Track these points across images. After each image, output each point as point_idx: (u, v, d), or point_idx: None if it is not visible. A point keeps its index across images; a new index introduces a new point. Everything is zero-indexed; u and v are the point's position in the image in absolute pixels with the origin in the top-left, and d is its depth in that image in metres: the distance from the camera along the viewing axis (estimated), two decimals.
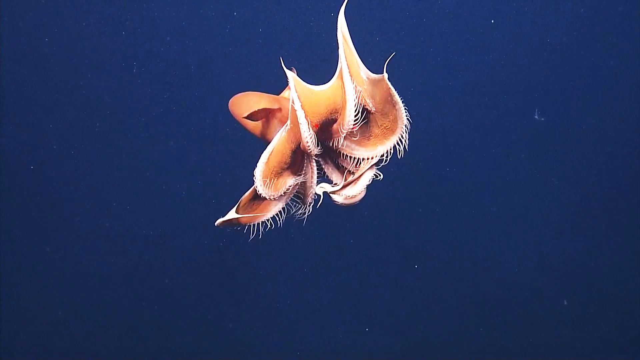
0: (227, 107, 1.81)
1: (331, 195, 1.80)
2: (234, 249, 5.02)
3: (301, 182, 1.83)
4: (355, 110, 1.66)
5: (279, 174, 1.74)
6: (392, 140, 1.78)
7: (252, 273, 5.12)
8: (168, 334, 5.12)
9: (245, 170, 1.80)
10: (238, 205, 1.76)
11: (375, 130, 1.79)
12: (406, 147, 1.77)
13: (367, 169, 1.80)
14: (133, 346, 5.09)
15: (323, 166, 1.87)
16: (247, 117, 1.75)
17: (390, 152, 1.79)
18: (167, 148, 4.78)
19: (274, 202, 1.82)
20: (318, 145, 1.69)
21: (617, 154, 4.84)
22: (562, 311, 5.08)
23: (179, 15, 4.43)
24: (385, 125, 1.77)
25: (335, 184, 1.85)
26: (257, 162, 1.68)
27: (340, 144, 1.76)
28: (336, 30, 1.64)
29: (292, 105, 1.60)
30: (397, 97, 1.69)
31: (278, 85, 1.93)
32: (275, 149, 1.68)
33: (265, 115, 1.79)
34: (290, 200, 1.86)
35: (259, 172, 1.68)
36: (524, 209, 5.01)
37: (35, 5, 4.34)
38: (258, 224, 1.81)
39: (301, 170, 1.81)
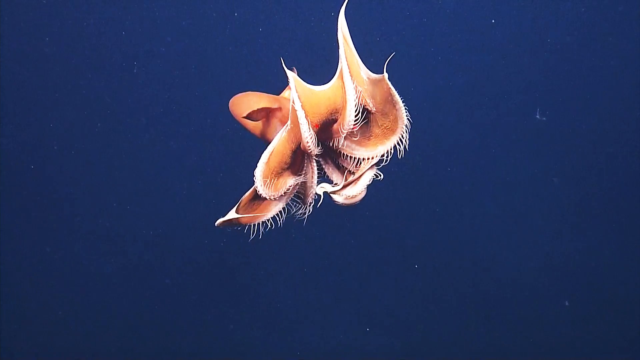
0: (227, 107, 1.81)
1: (331, 195, 1.80)
2: (234, 249, 5.02)
3: (301, 182, 1.82)
4: (356, 110, 1.65)
5: (279, 174, 1.74)
6: (393, 140, 1.78)
7: (253, 273, 5.12)
8: (168, 334, 5.12)
9: (245, 171, 1.80)
10: (238, 206, 1.76)
11: (376, 130, 1.79)
12: (406, 147, 1.76)
13: (368, 169, 1.80)
14: (133, 346, 5.09)
15: (323, 166, 1.87)
16: (247, 117, 1.74)
17: (391, 152, 1.79)
18: (168, 148, 4.78)
19: (274, 202, 1.82)
20: (318, 145, 1.69)
21: (618, 153, 4.84)
22: (563, 311, 5.08)
23: (180, 15, 4.43)
24: (385, 125, 1.77)
25: (336, 184, 1.85)
26: (258, 162, 1.68)
27: (340, 144, 1.75)
28: (336, 30, 1.64)
29: (292, 106, 1.60)
30: (397, 97, 1.69)
31: (278, 86, 1.93)
32: (276, 149, 1.68)
33: (265, 115, 1.79)
34: (290, 200, 1.86)
35: (259, 172, 1.68)
36: (524, 209, 5.01)
37: (36, 5, 4.35)
38: (258, 224, 1.81)
39: (301, 171, 1.81)
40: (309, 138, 1.63)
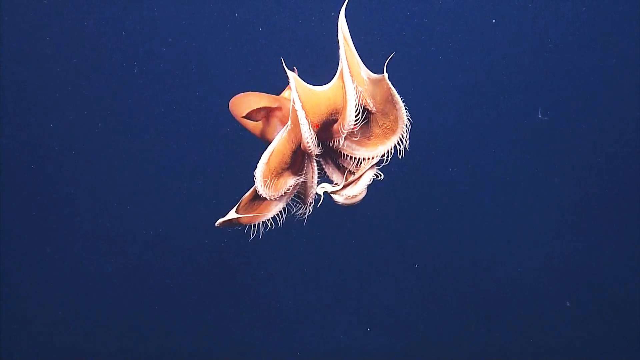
0: (228, 107, 1.81)
1: (332, 195, 1.80)
2: (234, 249, 5.02)
3: (302, 182, 1.82)
4: (356, 111, 1.65)
5: (279, 174, 1.74)
6: (393, 140, 1.78)
7: (253, 273, 5.12)
8: (168, 334, 5.12)
9: (245, 171, 1.80)
10: (238, 206, 1.76)
11: (376, 130, 1.79)
12: (407, 147, 1.77)
13: (368, 169, 1.80)
14: (133, 346, 5.09)
15: (323, 166, 1.87)
16: (247, 117, 1.74)
17: (391, 152, 1.79)
18: (168, 148, 4.78)
19: (275, 202, 1.82)
20: (318, 146, 1.69)
21: (619, 154, 4.83)
22: (564, 311, 5.08)
23: (180, 15, 4.43)
24: (386, 125, 1.77)
25: (336, 184, 1.85)
26: (258, 162, 1.68)
27: (340, 144, 1.75)
28: (337, 30, 1.64)
29: (292, 106, 1.60)
30: (397, 97, 1.69)
31: (279, 86, 1.93)
32: (276, 149, 1.68)
33: (264, 115, 1.79)
34: (290, 200, 1.86)
35: (259, 172, 1.68)
36: (525, 209, 5.01)
37: (36, 5, 4.34)
38: (258, 224, 1.81)
39: (302, 171, 1.81)
40: (309, 138, 1.63)
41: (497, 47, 4.59)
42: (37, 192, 4.81)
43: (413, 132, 1.76)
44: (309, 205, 1.89)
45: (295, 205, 1.89)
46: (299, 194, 1.88)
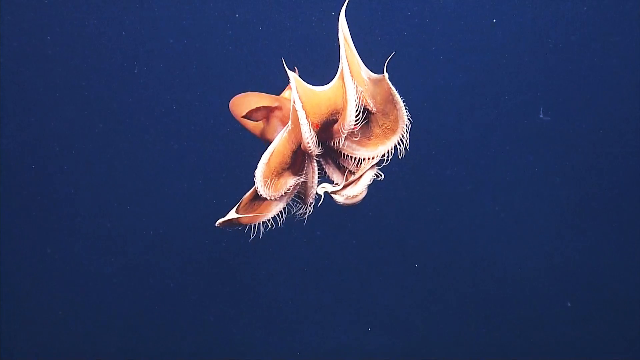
0: (228, 107, 1.81)
1: (332, 195, 1.80)
2: (234, 249, 5.02)
3: (302, 182, 1.82)
4: (356, 111, 1.65)
5: (279, 174, 1.74)
6: (393, 140, 1.78)
7: (253, 273, 5.12)
8: (168, 334, 5.12)
9: (246, 171, 1.80)
10: (238, 206, 1.76)
11: (376, 130, 1.79)
12: (407, 147, 1.76)
13: (368, 169, 1.80)
14: (133, 346, 5.09)
15: (324, 166, 1.87)
16: (246, 117, 1.74)
17: (391, 152, 1.78)
18: (168, 148, 4.78)
19: (275, 203, 1.82)
20: (319, 146, 1.69)
21: (620, 154, 4.83)
22: (564, 312, 5.08)
23: (180, 16, 4.43)
24: (386, 125, 1.77)
25: (336, 184, 1.85)
26: (258, 162, 1.68)
27: (341, 144, 1.75)
28: (337, 31, 1.64)
29: (293, 106, 1.60)
30: (398, 97, 1.69)
31: (279, 86, 1.93)
32: (276, 150, 1.68)
33: (264, 115, 1.79)
34: (291, 200, 1.86)
35: (259, 172, 1.68)
36: (525, 209, 5.01)
37: (36, 5, 4.34)
38: (259, 224, 1.81)
39: (302, 171, 1.81)
40: (309, 138, 1.62)
41: (497, 47, 4.59)
42: (37, 192, 4.81)
43: (413, 132, 1.76)
44: (309, 205, 1.88)
45: (296, 205, 1.89)
46: (299, 194, 1.88)
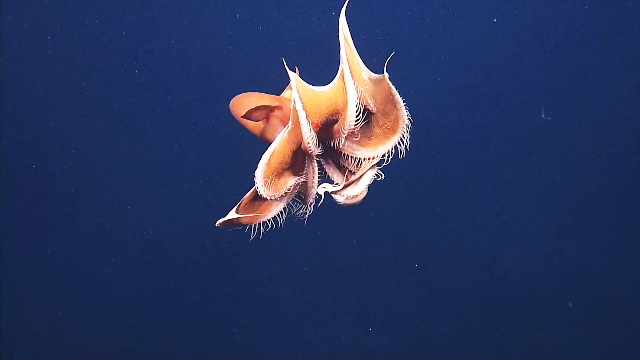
0: (228, 107, 1.81)
1: (332, 195, 1.79)
2: (235, 249, 5.02)
3: (302, 182, 1.82)
4: (357, 111, 1.65)
5: (279, 174, 1.74)
6: (394, 140, 1.78)
7: (253, 273, 5.12)
8: (168, 334, 5.12)
9: (246, 171, 1.80)
10: (239, 206, 1.76)
11: (377, 130, 1.79)
12: (407, 147, 1.76)
13: (368, 169, 1.80)
14: (133, 346, 5.09)
15: (324, 166, 1.86)
16: (246, 116, 1.74)
17: (392, 152, 1.78)
18: (168, 148, 4.78)
19: (275, 203, 1.82)
20: (319, 146, 1.69)
21: (621, 154, 4.83)
22: (564, 312, 5.08)
23: (181, 16, 4.43)
24: (386, 125, 1.77)
25: (337, 184, 1.85)
26: (258, 162, 1.67)
27: (341, 144, 1.75)
28: (337, 31, 1.64)
29: (293, 106, 1.59)
30: (398, 97, 1.69)
31: (279, 86, 1.92)
32: (277, 150, 1.68)
33: (264, 114, 1.79)
34: (291, 200, 1.85)
35: (259, 172, 1.67)
36: (526, 209, 5.01)
37: (36, 5, 4.34)
38: (259, 224, 1.81)
39: (302, 171, 1.81)
40: (309, 138, 1.62)
41: (498, 47, 4.59)
42: (37, 192, 4.81)
43: (414, 132, 1.76)
44: (310, 206, 1.88)
45: (296, 205, 1.89)
46: (300, 194, 1.88)
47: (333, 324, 5.18)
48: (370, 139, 1.80)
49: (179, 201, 4.90)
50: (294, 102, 1.59)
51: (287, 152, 1.70)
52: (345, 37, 1.64)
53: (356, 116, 1.65)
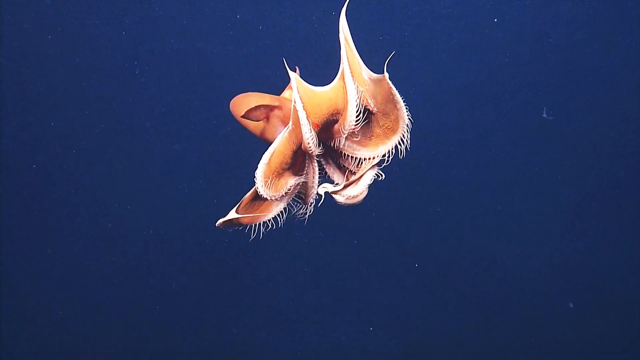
0: (229, 107, 1.81)
1: (332, 195, 1.79)
2: (235, 249, 5.02)
3: (302, 182, 1.82)
4: (357, 111, 1.65)
5: (280, 174, 1.74)
6: (394, 140, 1.78)
7: (253, 273, 5.12)
8: (169, 334, 5.12)
9: (246, 171, 1.80)
10: (239, 206, 1.76)
11: (377, 130, 1.79)
12: (408, 147, 1.76)
13: (369, 169, 1.80)
14: (133, 346, 5.09)
15: (324, 166, 1.86)
16: (246, 116, 1.74)
17: (392, 152, 1.78)
18: (168, 148, 4.78)
19: (275, 203, 1.82)
20: (319, 146, 1.69)
21: (621, 153, 4.83)
22: (564, 312, 5.08)
23: (181, 16, 4.43)
24: (386, 125, 1.77)
25: (337, 184, 1.85)
26: (258, 162, 1.67)
27: (341, 144, 1.75)
28: (338, 31, 1.64)
29: (294, 106, 1.59)
30: (398, 97, 1.69)
31: (280, 86, 1.93)
32: (277, 150, 1.68)
33: (264, 114, 1.79)
34: (291, 200, 1.85)
35: (260, 172, 1.67)
36: (526, 209, 5.01)
37: (36, 5, 4.34)
38: (259, 224, 1.81)
39: (302, 171, 1.80)
40: (310, 139, 1.62)
41: (498, 47, 4.59)
42: (37, 192, 4.81)
43: (414, 132, 1.76)
44: (310, 206, 1.88)
45: (296, 205, 1.89)
46: (300, 194, 1.88)
47: (333, 324, 5.18)
48: (370, 139, 1.80)
49: (179, 201, 4.90)
50: (295, 102, 1.59)
51: (288, 152, 1.70)
52: (345, 37, 1.64)
53: (356, 116, 1.65)
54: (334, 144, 1.76)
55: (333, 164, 1.87)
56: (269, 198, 1.72)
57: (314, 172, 1.82)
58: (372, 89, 1.71)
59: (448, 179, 4.95)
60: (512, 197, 4.99)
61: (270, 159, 1.68)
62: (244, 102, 1.77)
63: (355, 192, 1.79)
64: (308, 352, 5.16)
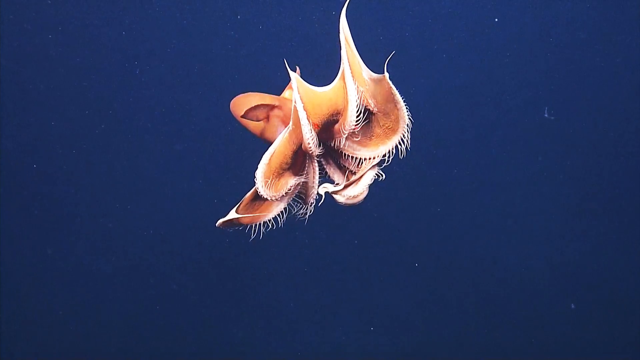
0: (229, 107, 1.81)
1: (333, 195, 1.79)
2: (235, 249, 5.01)
3: (303, 182, 1.82)
4: (357, 111, 1.65)
5: (280, 174, 1.74)
6: (394, 140, 1.78)
7: (254, 273, 5.12)
8: (169, 334, 5.11)
9: (246, 171, 1.80)
10: (239, 206, 1.76)
11: (377, 130, 1.79)
12: (408, 147, 1.76)
13: (369, 169, 1.79)
14: (133, 346, 5.09)
15: (325, 166, 1.86)
16: (246, 116, 1.74)
17: (392, 152, 1.78)
18: (169, 148, 4.78)
19: (276, 203, 1.81)
20: (320, 146, 1.69)
21: (623, 153, 4.83)
22: (565, 312, 5.07)
23: (182, 16, 4.43)
24: (387, 125, 1.77)
25: (337, 184, 1.85)
26: (259, 162, 1.67)
27: (342, 144, 1.75)
28: (338, 31, 1.64)
29: (294, 106, 1.59)
30: (398, 97, 1.69)
31: (280, 86, 1.92)
32: (277, 150, 1.68)
33: (264, 114, 1.79)
34: (291, 200, 1.85)
35: (260, 172, 1.67)
36: (527, 209, 5.01)
37: (36, 5, 4.34)
38: (259, 224, 1.81)
39: (303, 171, 1.80)
40: (310, 139, 1.62)
41: (498, 47, 4.59)
42: (37, 192, 4.81)
43: (414, 131, 1.76)
44: (310, 206, 1.88)
45: (297, 205, 1.89)
46: (300, 194, 1.88)
47: (333, 324, 5.18)
48: (370, 139, 1.80)
49: (179, 201, 4.90)
50: (295, 102, 1.58)
51: (288, 153, 1.69)
52: (345, 37, 1.64)
53: (357, 116, 1.65)
54: (334, 144, 1.76)
55: (333, 164, 1.87)
56: (269, 198, 1.72)
57: (314, 172, 1.82)
58: (373, 89, 1.71)
59: (448, 179, 4.95)
60: (512, 197, 4.99)
61: (270, 159, 1.68)
62: (244, 102, 1.77)
63: (355, 192, 1.79)
64: (308, 352, 5.16)
